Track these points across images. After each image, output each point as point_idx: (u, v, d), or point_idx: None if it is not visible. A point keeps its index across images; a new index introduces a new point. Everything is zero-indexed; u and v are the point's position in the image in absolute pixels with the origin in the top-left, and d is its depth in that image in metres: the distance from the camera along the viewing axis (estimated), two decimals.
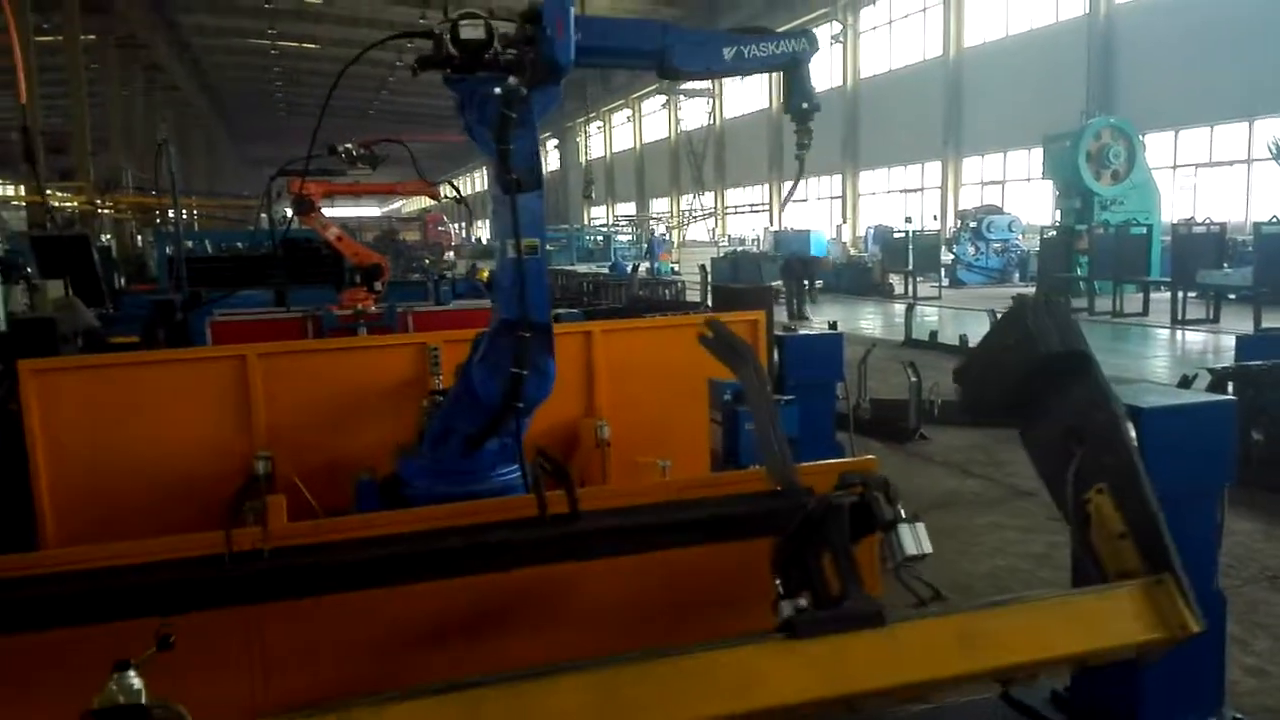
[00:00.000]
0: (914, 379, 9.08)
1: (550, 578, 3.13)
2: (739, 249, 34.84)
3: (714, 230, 49.34)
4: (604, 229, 50.34)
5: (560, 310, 9.60)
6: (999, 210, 29.19)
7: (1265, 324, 14.45)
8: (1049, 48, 28.91)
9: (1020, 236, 28.20)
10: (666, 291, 21.74)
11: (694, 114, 52.29)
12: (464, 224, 55.45)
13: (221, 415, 4.63)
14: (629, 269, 28.36)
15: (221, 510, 2.66)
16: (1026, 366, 2.90)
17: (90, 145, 27.25)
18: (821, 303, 22.85)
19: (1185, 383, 7.14)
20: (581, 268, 32.70)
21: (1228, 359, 9.36)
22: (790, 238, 32.84)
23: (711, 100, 49.92)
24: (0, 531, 4.24)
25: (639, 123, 59.79)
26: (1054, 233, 23.27)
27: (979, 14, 32.46)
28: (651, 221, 52.55)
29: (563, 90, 3.41)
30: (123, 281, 15.34)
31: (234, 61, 50.71)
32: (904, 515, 2.63)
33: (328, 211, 8.77)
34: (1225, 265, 18.26)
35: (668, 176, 53.79)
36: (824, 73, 41.12)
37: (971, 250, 27.98)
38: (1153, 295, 19.17)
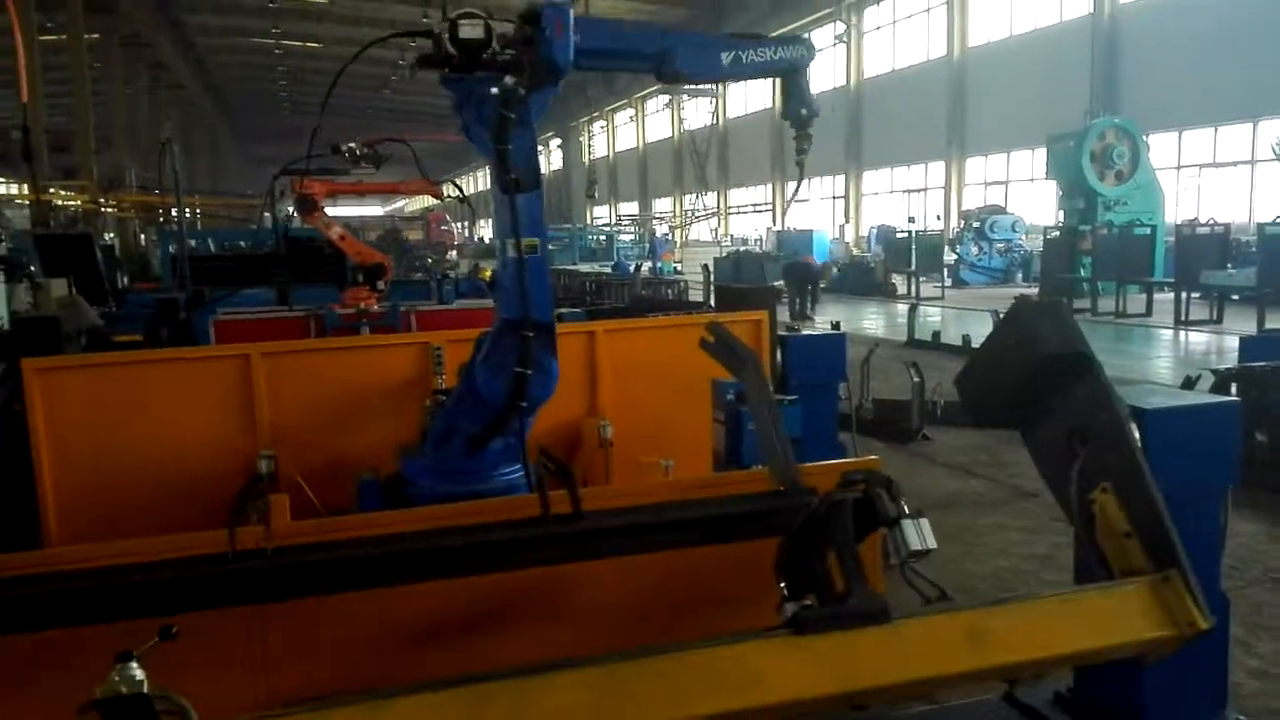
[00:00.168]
0: (917, 379, 9.08)
1: (553, 577, 3.13)
2: (742, 249, 34.83)
3: (717, 230, 49.34)
4: (607, 229, 50.34)
5: (563, 310, 9.60)
6: (1002, 210, 29.16)
7: (1269, 325, 14.45)
8: (1053, 47, 28.88)
9: (1023, 237, 28.17)
10: (669, 291, 21.76)
11: (697, 114, 52.29)
12: (467, 223, 55.52)
13: (225, 414, 4.64)
14: (632, 269, 28.37)
15: (225, 509, 2.66)
16: (1028, 367, 2.90)
17: (94, 144, 27.32)
18: (824, 303, 22.83)
19: (1189, 384, 7.13)
20: (584, 267, 32.71)
21: (1231, 360, 9.35)
22: (793, 238, 32.84)
23: (715, 100, 49.92)
24: (4, 530, 4.25)
25: (642, 122, 59.79)
26: (1057, 233, 23.25)
27: (983, 14, 32.43)
28: (654, 221, 52.54)
29: (561, 89, 3.40)
30: (126, 280, 15.37)
31: (237, 61, 50.79)
32: (907, 511, 2.63)
33: (330, 210, 8.77)
34: (1229, 266, 18.23)
35: (671, 176, 53.80)
36: (827, 73, 41.14)
37: (975, 250, 27.96)
38: (1156, 296, 19.16)
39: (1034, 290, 23.08)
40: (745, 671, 2.14)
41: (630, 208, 60.97)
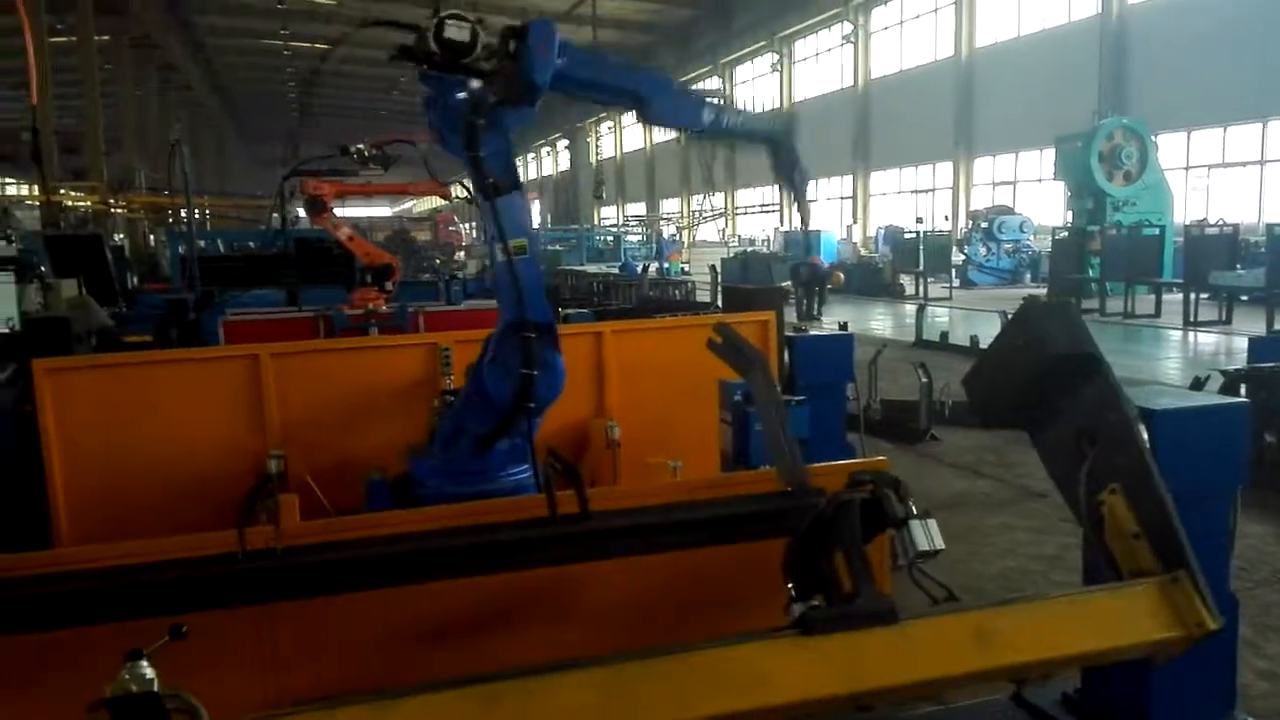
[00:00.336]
0: (925, 380, 9.07)
1: (561, 578, 3.13)
2: (749, 249, 34.79)
3: (724, 230, 49.30)
4: (614, 229, 50.34)
5: (570, 311, 9.62)
6: (1010, 211, 29.08)
7: (1278, 325, 14.39)
8: (1061, 48, 28.80)
9: (1032, 237, 28.10)
10: (677, 292, 21.74)
11: None
12: (475, 224, 55.51)
13: (234, 414, 4.65)
14: (639, 269, 28.36)
15: (234, 509, 2.67)
16: (1036, 368, 2.90)
17: (104, 145, 27.39)
18: (832, 303, 22.81)
19: (1197, 384, 7.10)
20: (592, 268, 32.70)
21: (1240, 361, 9.31)
22: (800, 239, 32.79)
23: (722, 100, 49.85)
24: (15, 530, 4.27)
25: None
26: (1066, 234, 23.19)
27: (990, 14, 32.36)
28: (661, 222, 52.50)
29: (538, 111, 3.38)
30: (136, 281, 15.42)
31: (246, 62, 50.92)
32: (915, 512, 2.63)
33: (339, 211, 8.79)
34: (1238, 266, 18.19)
35: (678, 177, 53.77)
36: (835, 73, 41.13)
37: (983, 251, 27.90)
38: (1165, 296, 19.11)
39: (1042, 291, 23.03)
40: (752, 672, 2.15)
41: (637, 208, 60.97)
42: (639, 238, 46.81)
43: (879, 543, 2.99)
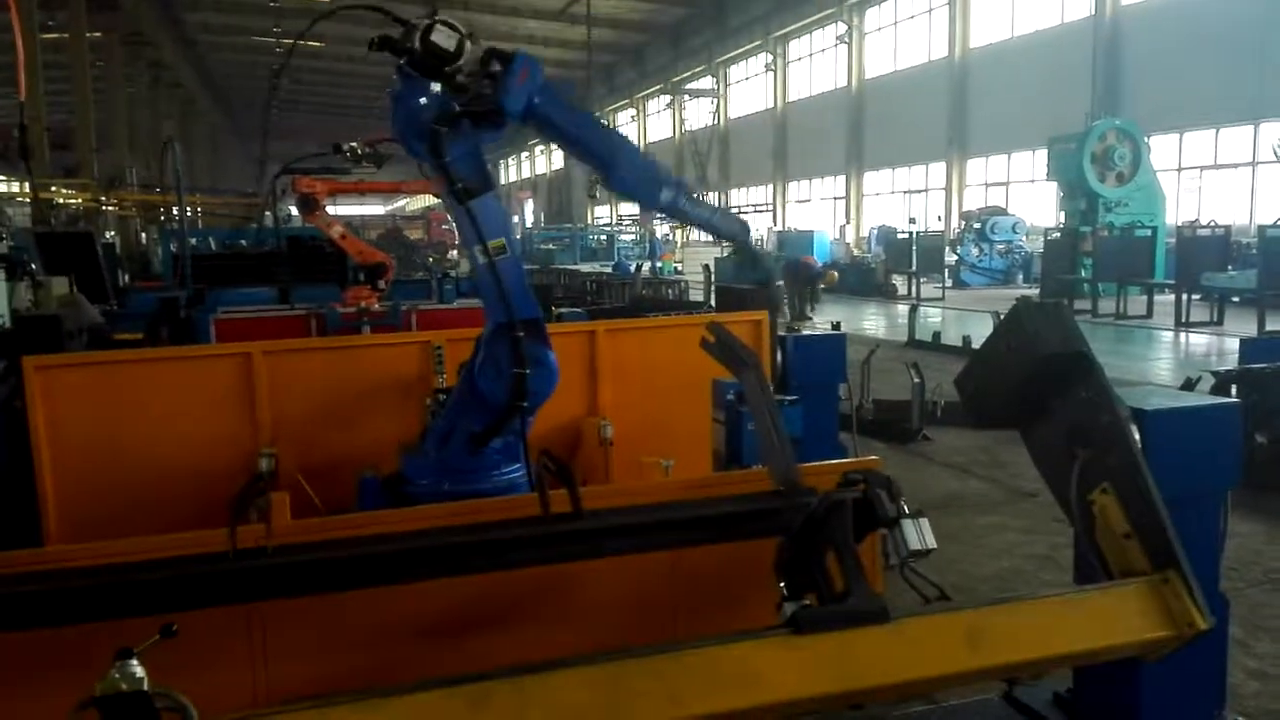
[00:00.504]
0: (917, 380, 9.09)
1: (554, 576, 3.13)
2: None
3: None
4: (608, 228, 50.32)
5: (563, 310, 9.61)
6: (1003, 212, 29.16)
7: (1269, 326, 14.45)
8: (1054, 49, 28.86)
9: (1024, 238, 28.18)
10: (670, 291, 21.74)
11: (698, 114, 52.29)
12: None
13: (226, 413, 4.64)
14: (632, 269, 28.36)
15: (225, 507, 2.66)
16: (1028, 368, 2.91)
17: (95, 142, 27.29)
18: (824, 303, 22.83)
19: (1189, 385, 7.13)
20: (585, 267, 32.71)
21: (1231, 361, 9.35)
22: (794, 238, 32.82)
23: (716, 100, 49.92)
24: (4, 527, 4.25)
25: (643, 122, 59.77)
26: (1058, 234, 23.27)
27: (984, 15, 32.42)
28: (655, 221, 52.49)
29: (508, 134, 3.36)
30: (127, 279, 15.37)
31: (239, 59, 50.78)
32: (907, 511, 2.64)
33: (332, 209, 8.78)
34: (1229, 268, 18.25)
35: None
36: (829, 73, 41.16)
37: (975, 251, 27.96)
38: (1157, 297, 19.17)
39: (1035, 291, 23.07)
40: (744, 671, 2.15)
41: (631, 207, 60.96)
42: (632, 237, 46.84)
43: (871, 542, 2.99)
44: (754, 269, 3.90)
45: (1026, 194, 31.05)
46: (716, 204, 3.82)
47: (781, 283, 20.05)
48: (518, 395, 3.34)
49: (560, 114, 3.38)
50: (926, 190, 36.29)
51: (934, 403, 9.42)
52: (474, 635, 3.15)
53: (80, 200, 24.40)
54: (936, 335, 15.33)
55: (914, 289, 24.75)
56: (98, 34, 30.01)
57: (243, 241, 12.75)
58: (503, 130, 3.34)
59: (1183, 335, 16.77)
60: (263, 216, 8.62)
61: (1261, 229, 17.52)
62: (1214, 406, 3.52)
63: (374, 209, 72.04)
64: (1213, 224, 20.52)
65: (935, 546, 2.64)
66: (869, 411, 9.42)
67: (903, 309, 19.69)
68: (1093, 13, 27.40)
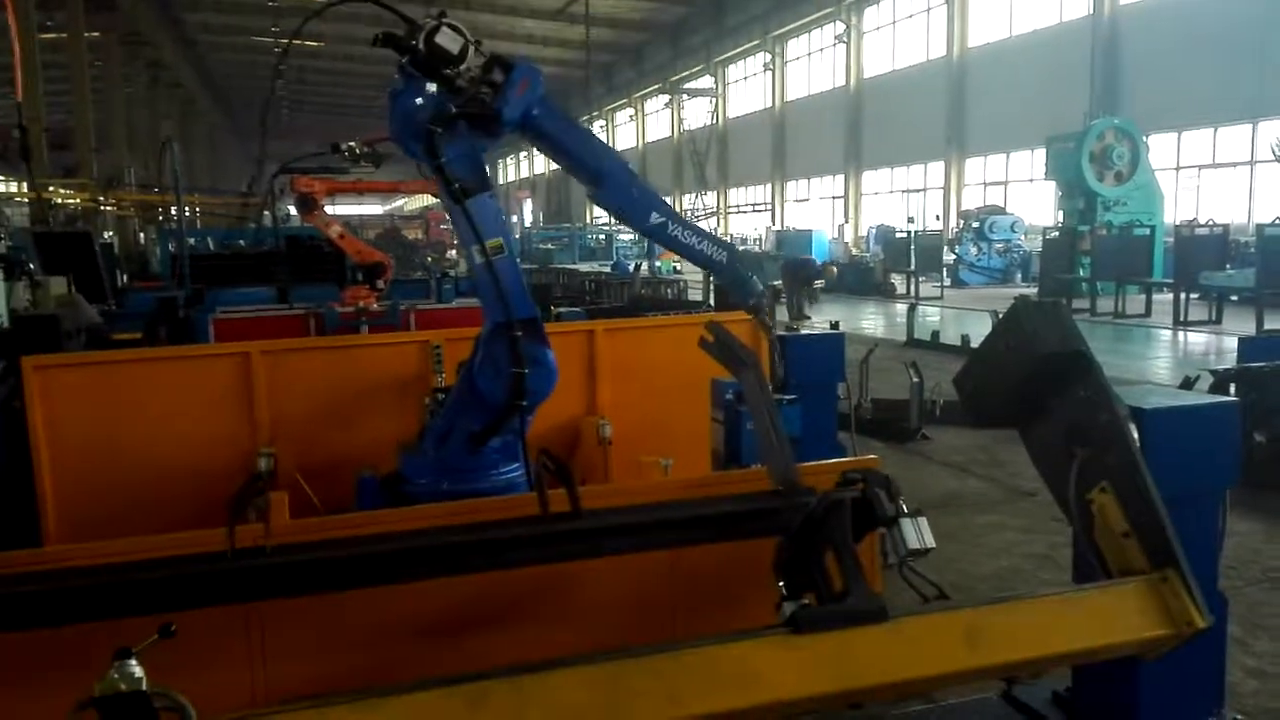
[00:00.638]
0: (915, 379, 9.09)
1: (552, 576, 3.13)
2: (741, 248, 34.79)
3: (717, 229, 49.34)
4: (606, 228, 50.35)
5: (562, 309, 9.61)
6: (1002, 211, 29.16)
7: (1267, 325, 14.45)
8: (1053, 48, 28.88)
9: (1023, 237, 28.18)
10: (669, 291, 21.73)
11: (697, 113, 52.32)
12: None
13: (224, 412, 4.63)
14: (631, 268, 28.35)
15: (224, 507, 2.66)
16: (1027, 367, 2.91)
17: (93, 142, 27.28)
18: (823, 302, 22.83)
19: (1187, 384, 7.14)
20: (584, 267, 32.73)
21: (1230, 360, 9.36)
22: (793, 238, 32.82)
23: (714, 100, 49.93)
24: (3, 527, 4.25)
25: (642, 121, 59.79)
26: (1057, 233, 23.27)
27: (983, 14, 32.44)
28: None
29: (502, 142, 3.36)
30: (125, 279, 15.35)
31: (238, 59, 50.77)
32: (906, 510, 2.64)
33: (330, 209, 8.77)
34: (1228, 267, 18.27)
35: (670, 176, 53.81)
36: (827, 72, 41.17)
37: (974, 251, 27.96)
38: (1155, 296, 19.19)
39: (1033, 290, 23.08)
40: (743, 670, 2.15)
41: None
42: (631, 236, 46.82)
43: (870, 541, 2.99)
44: (742, 292, 3.89)
45: (1025, 193, 31.07)
46: (705, 230, 3.81)
47: (779, 283, 20.08)
48: (516, 394, 3.33)
49: (556, 127, 3.39)
50: (925, 189, 36.31)
51: (933, 402, 9.42)
52: (473, 635, 3.14)
53: (79, 200, 24.39)
54: (935, 334, 15.34)
55: (912, 288, 24.74)
56: (96, 34, 30.00)
57: (241, 241, 12.76)
58: (499, 138, 3.34)
59: (1181, 334, 16.78)
60: (261, 216, 8.61)
61: (1259, 228, 17.54)
62: (1212, 405, 3.52)
63: (372, 209, 72.01)
64: (1211, 223, 20.55)
65: (934, 546, 2.64)
66: (868, 411, 9.42)
67: (901, 308, 19.70)
68: (1091, 12, 27.42)
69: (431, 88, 3.20)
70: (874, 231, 33.79)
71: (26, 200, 25.12)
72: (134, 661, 1.92)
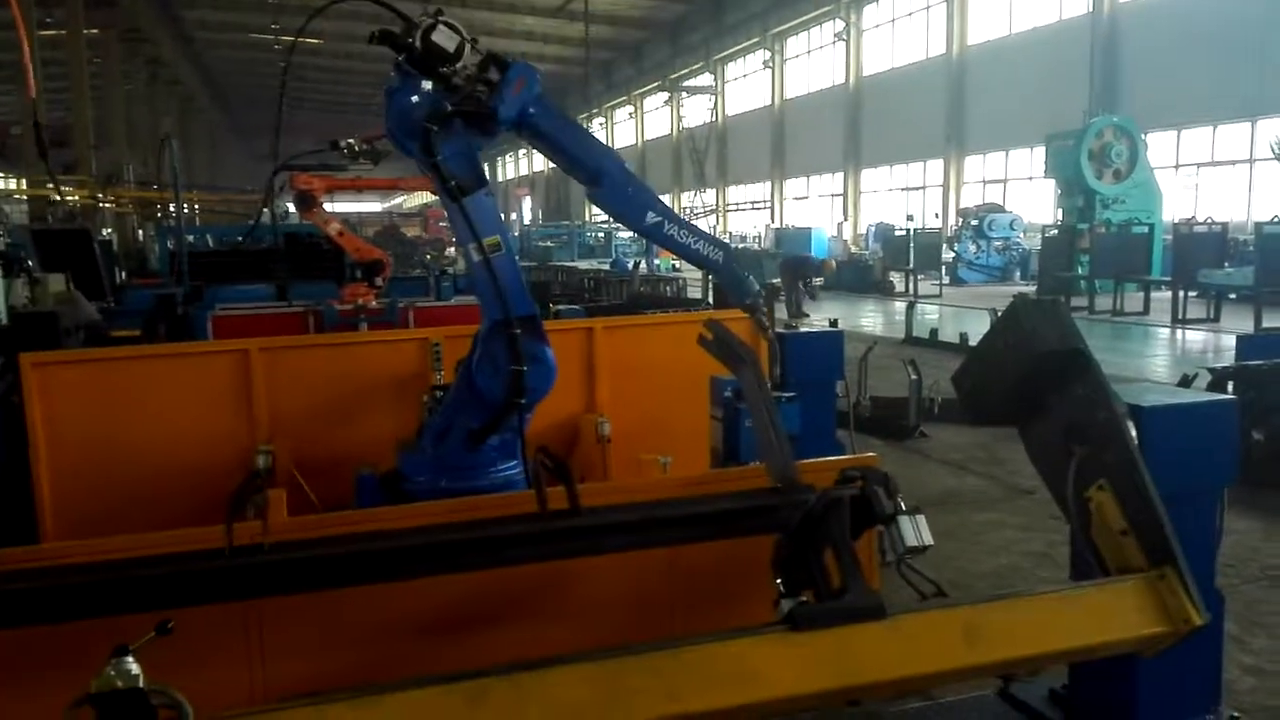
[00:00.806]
0: (914, 377, 9.09)
1: (551, 573, 3.13)
2: (740, 246, 34.81)
3: (715, 227, 49.32)
4: (606, 225, 50.36)
5: (561, 307, 9.60)
6: (1000, 209, 29.16)
7: (1266, 324, 14.46)
8: (1052, 46, 28.87)
9: (1022, 235, 28.18)
10: (667, 288, 21.71)
11: (696, 111, 52.29)
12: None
13: (223, 409, 4.63)
14: (630, 266, 28.33)
15: (222, 504, 2.66)
16: (1025, 365, 2.91)
17: (92, 139, 27.25)
18: (822, 300, 22.84)
19: (1185, 382, 7.14)
20: (583, 264, 32.69)
21: (1228, 358, 9.36)
22: (791, 235, 32.81)
23: (714, 97, 49.90)
24: (1, 524, 4.25)
25: (641, 119, 59.75)
26: (1055, 231, 23.26)
27: (982, 12, 32.42)
28: None
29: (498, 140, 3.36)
30: (124, 276, 15.35)
31: (237, 56, 50.74)
32: (904, 508, 2.64)
33: (329, 206, 8.77)
34: (1226, 265, 18.25)
35: (670, 173, 53.79)
36: (827, 70, 41.14)
37: (973, 248, 27.96)
38: (1154, 294, 19.19)
39: (1032, 288, 23.09)
40: (741, 667, 2.15)
41: None
42: (630, 234, 46.82)
43: (868, 539, 2.99)
44: (738, 291, 3.88)
45: (1024, 191, 31.06)
46: (701, 230, 3.82)
47: (778, 280, 20.09)
48: (515, 392, 3.33)
49: (553, 126, 3.39)
50: (924, 187, 36.31)
51: (931, 400, 9.42)
52: (471, 632, 3.15)
53: (78, 197, 24.37)
54: (934, 332, 15.34)
55: (911, 286, 24.74)
56: (95, 31, 29.97)
57: (239, 239, 12.73)
58: (495, 136, 3.34)
59: (1179, 332, 16.79)
60: (260, 213, 8.62)
61: (1258, 226, 17.54)
62: (1211, 403, 3.53)
63: (371, 206, 71.94)
64: (1210, 221, 20.54)
65: (932, 543, 2.64)
66: (866, 408, 9.42)
67: (900, 306, 19.70)
68: (1090, 10, 27.41)
69: (428, 85, 3.20)
70: (873, 229, 33.78)
71: (25, 197, 25.10)
72: (131, 659, 1.92)
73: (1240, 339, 8.37)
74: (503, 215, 3.56)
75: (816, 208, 42.76)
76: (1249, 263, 17.46)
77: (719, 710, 2.10)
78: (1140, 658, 2.77)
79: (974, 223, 28.19)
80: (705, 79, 49.94)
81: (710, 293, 18.46)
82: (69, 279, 8.72)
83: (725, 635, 2.20)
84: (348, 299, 7.53)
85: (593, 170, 3.45)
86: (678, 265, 31.41)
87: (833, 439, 6.42)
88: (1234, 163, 24.84)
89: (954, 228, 29.97)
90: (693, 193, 52.36)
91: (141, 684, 1.89)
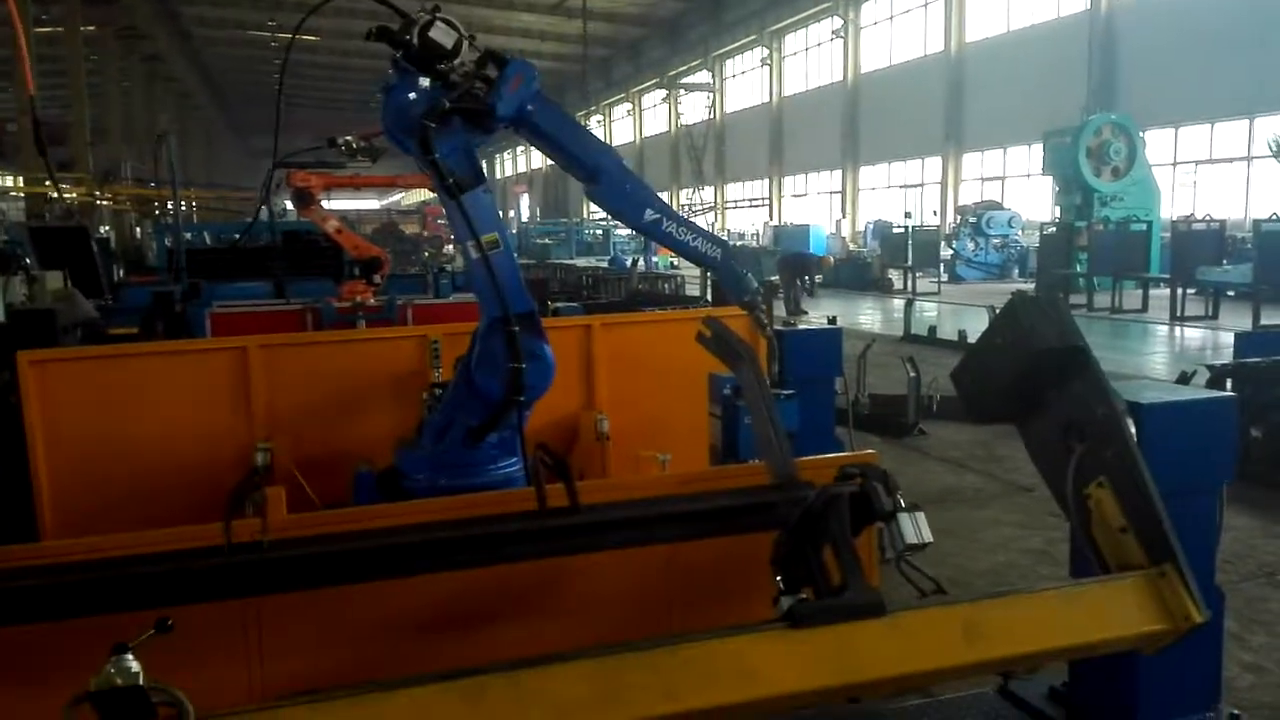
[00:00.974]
0: (913, 374, 9.09)
1: (550, 571, 3.13)
2: (738, 244, 34.81)
3: (713, 225, 49.31)
4: (604, 223, 50.33)
5: (559, 304, 9.60)
6: (999, 206, 29.17)
7: (1264, 321, 14.47)
8: (1050, 43, 28.88)
9: (1020, 232, 28.20)
10: (666, 286, 21.72)
11: (694, 108, 52.27)
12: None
13: (221, 407, 4.62)
14: (628, 263, 28.33)
15: (221, 502, 2.65)
16: (1024, 362, 2.90)
17: (89, 136, 27.23)
18: (821, 297, 22.85)
19: (1184, 379, 7.15)
20: (581, 262, 32.69)
21: (1226, 356, 9.37)
22: (790, 233, 32.80)
23: (712, 95, 49.88)
24: (0, 522, 4.24)
25: (639, 116, 59.72)
26: (1054, 229, 23.26)
27: (980, 9, 32.43)
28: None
29: (496, 137, 3.34)
30: (121, 273, 15.33)
31: (234, 53, 50.65)
32: (903, 505, 2.64)
33: (327, 204, 8.75)
34: (1224, 262, 18.27)
35: (668, 171, 53.77)
36: (825, 67, 41.14)
37: (971, 246, 27.97)
38: (1152, 292, 19.22)
39: (1030, 286, 23.10)
40: (741, 665, 2.15)
41: None
42: (629, 231, 46.79)
43: (867, 536, 2.99)
44: (736, 288, 3.88)
45: (1022, 188, 31.07)
46: (699, 227, 3.82)
47: (776, 278, 20.09)
48: (514, 389, 3.33)
49: (551, 123, 3.39)
50: (922, 185, 36.31)
51: (930, 397, 9.43)
52: (470, 629, 3.14)
53: (75, 194, 24.34)
54: (932, 330, 15.34)
55: (910, 283, 24.76)
56: (92, 28, 29.95)
57: (237, 236, 12.73)
58: (493, 133, 3.33)
59: (1178, 329, 16.80)
60: (258, 210, 8.61)
61: (1257, 223, 17.55)
62: (1209, 401, 3.53)
63: (369, 203, 71.89)
64: (1208, 218, 20.55)
65: (931, 540, 2.64)
66: (865, 406, 9.43)
67: (898, 303, 19.71)
68: (1088, 7, 27.44)
69: (425, 82, 3.19)
70: (871, 227, 33.79)
71: (22, 195, 25.05)
72: (130, 656, 1.91)
73: (1238, 336, 8.38)
74: (501, 212, 3.56)
75: (815, 205, 42.76)
76: (1247, 260, 17.48)
77: (718, 708, 2.10)
78: (1140, 655, 2.77)
79: (972, 220, 28.20)
80: (703, 76, 49.92)
81: (709, 290, 18.46)
82: (66, 276, 8.70)
83: (724, 632, 2.20)
84: (346, 296, 7.51)
85: (591, 167, 3.45)
86: (676, 263, 31.41)
87: (831, 436, 6.42)
88: (1232, 160, 24.86)
89: (952, 225, 29.98)
90: (691, 190, 52.34)
91: (141, 681, 1.89)
